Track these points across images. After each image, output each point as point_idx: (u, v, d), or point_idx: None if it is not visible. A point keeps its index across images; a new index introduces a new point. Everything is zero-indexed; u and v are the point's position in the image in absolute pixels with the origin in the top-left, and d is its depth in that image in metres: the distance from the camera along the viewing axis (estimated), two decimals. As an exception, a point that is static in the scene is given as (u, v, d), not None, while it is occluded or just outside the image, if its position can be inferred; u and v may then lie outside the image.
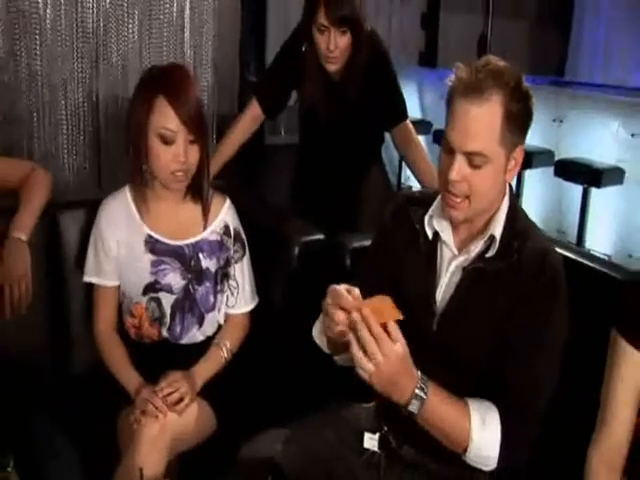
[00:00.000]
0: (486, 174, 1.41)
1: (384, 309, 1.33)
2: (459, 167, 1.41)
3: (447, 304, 1.51)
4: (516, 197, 1.64)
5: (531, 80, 4.77)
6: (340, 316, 1.35)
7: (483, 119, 1.38)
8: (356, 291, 1.37)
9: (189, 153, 1.76)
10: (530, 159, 4.38)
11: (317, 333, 1.63)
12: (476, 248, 1.50)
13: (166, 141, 1.74)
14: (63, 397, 1.90)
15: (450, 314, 1.51)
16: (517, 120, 1.40)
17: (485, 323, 1.47)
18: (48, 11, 2.60)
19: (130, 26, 2.75)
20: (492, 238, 1.49)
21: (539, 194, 4.66)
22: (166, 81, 1.77)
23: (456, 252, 1.53)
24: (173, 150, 1.75)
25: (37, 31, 2.59)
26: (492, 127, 1.38)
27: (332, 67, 2.30)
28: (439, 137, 4.66)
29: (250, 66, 5.07)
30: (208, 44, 3.00)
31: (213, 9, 2.98)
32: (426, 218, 1.55)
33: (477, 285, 1.49)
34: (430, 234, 1.55)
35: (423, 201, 1.59)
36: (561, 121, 4.64)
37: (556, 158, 4.39)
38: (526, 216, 1.59)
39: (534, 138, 4.63)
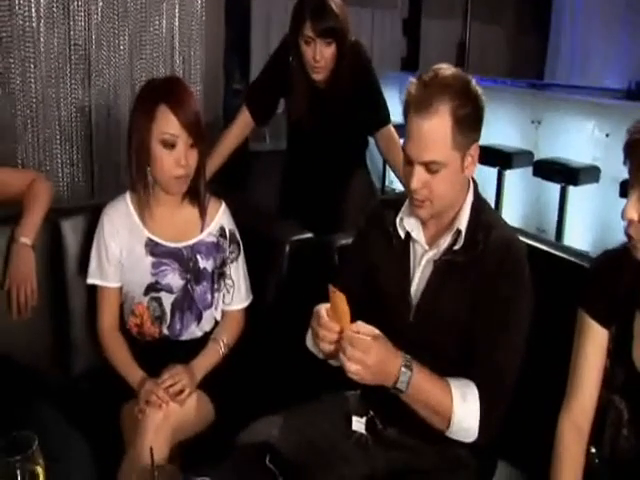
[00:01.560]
0: (444, 177, 1.52)
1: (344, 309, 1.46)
2: (418, 176, 1.52)
3: (421, 296, 1.63)
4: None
5: (509, 83, 4.90)
6: (326, 347, 1.49)
7: (434, 131, 1.48)
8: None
9: (189, 157, 1.87)
10: (510, 160, 4.54)
11: (310, 342, 1.71)
12: (445, 242, 1.61)
13: (168, 146, 1.84)
14: (66, 395, 1.97)
15: (424, 305, 1.62)
16: (468, 122, 1.50)
17: (456, 311, 1.58)
18: (42, 26, 2.70)
19: (121, 41, 2.85)
20: (458, 232, 1.60)
21: (519, 193, 4.78)
22: (166, 90, 1.88)
23: (427, 247, 1.65)
24: (174, 154, 1.85)
25: (31, 46, 2.69)
26: (444, 136, 1.49)
27: (318, 76, 2.41)
28: None
29: (234, 76, 5.17)
30: (197, 57, 3.11)
31: (200, 23, 3.09)
32: (397, 220, 1.66)
33: (447, 276, 1.60)
34: (402, 234, 1.67)
35: (395, 204, 1.70)
36: (539, 122, 4.77)
37: (535, 158, 4.51)
38: (490, 208, 1.70)
39: (514, 139, 4.77)
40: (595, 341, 1.50)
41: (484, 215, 1.63)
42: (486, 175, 4.77)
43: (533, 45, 7.56)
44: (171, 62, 3.04)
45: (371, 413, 1.72)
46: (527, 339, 1.58)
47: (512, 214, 4.68)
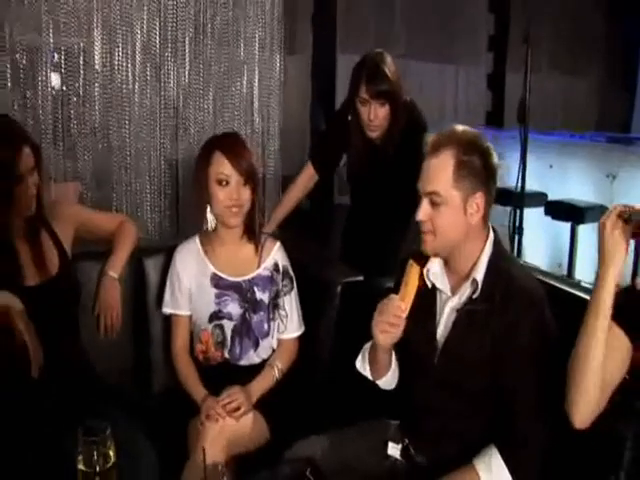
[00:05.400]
0: (444, 213, 1.70)
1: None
2: (424, 208, 1.72)
3: (445, 341, 1.80)
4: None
5: (588, 137, 4.85)
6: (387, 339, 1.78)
7: (438, 166, 1.70)
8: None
9: (241, 193, 2.16)
10: (583, 214, 4.55)
11: (361, 363, 1.96)
12: (465, 291, 1.77)
13: (222, 183, 2.15)
14: (143, 410, 2.20)
15: (448, 350, 1.79)
16: (470, 168, 1.68)
17: (478, 357, 1.73)
18: (136, 88, 3.06)
19: (206, 101, 3.18)
20: (475, 281, 1.75)
21: (593, 248, 4.71)
22: (221, 140, 2.23)
23: (450, 295, 1.81)
24: (227, 190, 2.15)
25: (127, 105, 3.05)
26: (445, 172, 1.69)
27: (373, 134, 2.65)
28: (497, 196, 4.88)
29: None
30: (275, 114, 3.40)
31: (279, 82, 3.39)
32: (424, 271, 1.83)
33: (469, 324, 1.75)
34: (429, 283, 1.84)
35: (422, 255, 1.85)
36: (614, 177, 4.76)
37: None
38: (511, 258, 1.86)
39: (588, 194, 4.80)
40: (619, 347, 1.54)
41: (504, 265, 1.76)
42: (561, 230, 4.86)
43: (621, 98, 7.51)
44: (251, 120, 3.34)
45: (406, 441, 1.89)
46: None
47: (587, 269, 4.64)
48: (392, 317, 1.73)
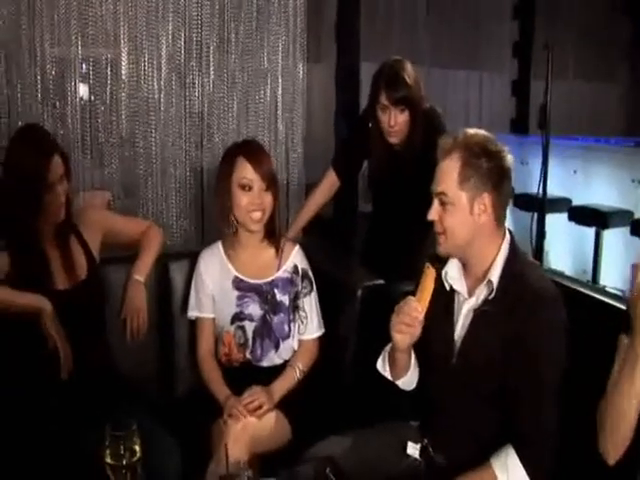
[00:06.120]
0: (452, 213, 1.77)
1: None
2: (434, 208, 1.80)
3: (462, 341, 1.84)
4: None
5: (612, 142, 4.83)
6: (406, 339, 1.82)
7: (446, 168, 1.77)
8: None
9: (264, 198, 2.22)
10: (607, 220, 4.55)
11: (381, 364, 2.00)
12: (481, 293, 1.81)
13: (245, 188, 2.21)
14: (168, 411, 2.26)
15: (465, 350, 1.83)
16: (475, 170, 1.74)
17: (491, 358, 1.76)
18: (162, 97, 3.13)
19: (230, 109, 3.24)
20: (490, 283, 1.79)
21: (617, 253, 4.74)
22: (243, 146, 2.30)
23: (467, 297, 1.85)
24: (250, 195, 2.21)
25: (153, 114, 3.12)
26: (452, 173, 1.76)
27: (393, 140, 2.68)
28: (520, 201, 4.80)
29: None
30: (298, 121, 3.44)
31: (302, 89, 3.43)
32: (443, 273, 1.89)
33: (483, 325, 1.80)
34: (447, 286, 1.89)
35: (444, 259, 1.91)
36: (639, 181, 4.74)
37: (635, 217, 4.51)
38: (527, 260, 1.88)
39: (612, 199, 4.80)
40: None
41: (519, 267, 1.79)
42: (585, 235, 4.85)
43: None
44: (275, 127, 3.38)
45: (425, 441, 1.93)
46: (560, 388, 1.71)
47: (612, 274, 4.67)
48: (408, 318, 1.78)
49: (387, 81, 2.59)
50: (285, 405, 2.19)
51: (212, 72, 3.22)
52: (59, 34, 2.96)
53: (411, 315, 1.78)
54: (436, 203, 1.80)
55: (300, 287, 2.34)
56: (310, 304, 2.35)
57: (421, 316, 1.78)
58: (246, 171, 2.21)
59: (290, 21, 3.37)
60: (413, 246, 2.79)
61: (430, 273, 1.81)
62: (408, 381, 1.98)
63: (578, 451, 1.71)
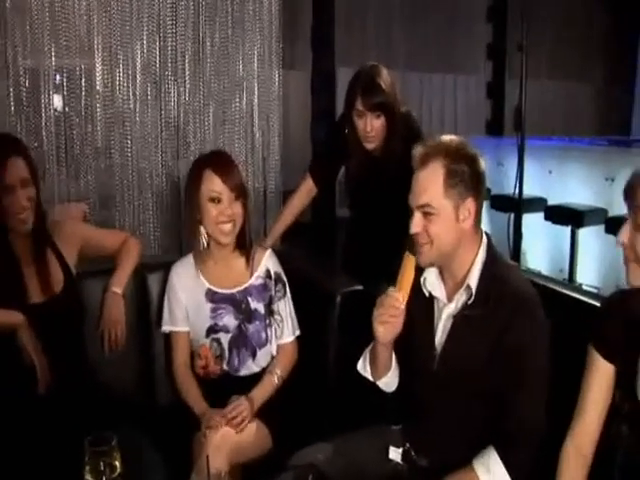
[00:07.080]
0: (438, 222, 1.74)
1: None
2: (416, 221, 1.76)
3: (443, 347, 1.84)
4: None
5: (586, 142, 4.87)
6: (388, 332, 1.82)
7: (428, 178, 1.74)
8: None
9: (233, 207, 2.21)
10: (582, 218, 4.58)
11: (362, 365, 2.00)
12: (460, 298, 1.81)
13: (214, 201, 2.19)
14: (149, 423, 2.23)
15: (446, 355, 1.83)
16: (459, 176, 1.72)
17: (474, 363, 1.76)
18: (137, 106, 3.12)
19: (206, 117, 3.24)
20: (469, 287, 1.78)
21: (593, 251, 4.78)
22: (210, 158, 2.28)
23: (446, 302, 1.85)
24: (220, 207, 2.20)
25: (128, 124, 3.11)
26: (436, 183, 1.73)
27: (370, 145, 2.68)
28: (497, 202, 4.89)
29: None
30: (275, 128, 3.45)
31: (278, 96, 3.44)
32: (421, 280, 1.88)
33: (465, 330, 1.79)
34: (426, 292, 1.89)
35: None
36: (613, 180, 4.75)
37: (609, 215, 4.52)
38: (505, 263, 1.87)
39: (587, 197, 4.83)
40: (601, 375, 1.61)
41: (497, 270, 1.79)
42: (561, 234, 4.88)
43: (622, 101, 7.57)
44: (252, 135, 3.39)
45: (407, 445, 1.93)
46: (546, 390, 1.72)
47: (588, 273, 4.71)
48: (390, 308, 1.78)
49: (363, 87, 2.60)
50: (265, 413, 2.18)
51: (187, 81, 3.22)
52: (32, 44, 2.94)
53: (392, 305, 1.77)
54: (418, 215, 1.76)
55: (274, 291, 2.34)
56: (285, 307, 2.35)
57: (402, 305, 1.77)
58: (214, 184, 2.20)
59: (265, 28, 3.39)
60: (392, 251, 2.81)
61: (409, 261, 1.79)
62: (389, 381, 1.99)
63: (558, 450, 1.71)
